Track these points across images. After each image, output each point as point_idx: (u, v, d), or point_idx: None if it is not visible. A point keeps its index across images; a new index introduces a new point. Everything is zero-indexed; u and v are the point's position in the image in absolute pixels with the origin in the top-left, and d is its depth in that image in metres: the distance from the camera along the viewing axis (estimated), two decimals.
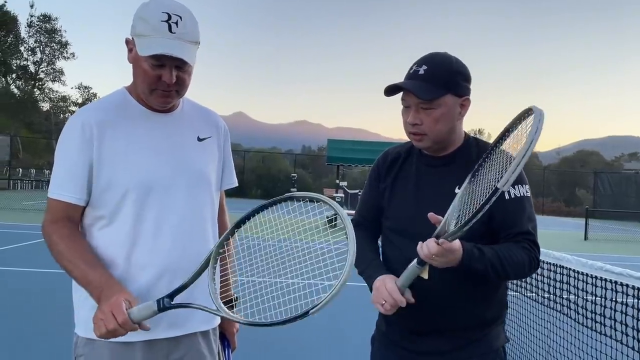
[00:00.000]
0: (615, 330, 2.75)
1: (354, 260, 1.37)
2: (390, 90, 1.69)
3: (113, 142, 1.59)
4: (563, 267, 3.30)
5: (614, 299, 2.78)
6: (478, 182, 1.55)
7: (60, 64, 42.89)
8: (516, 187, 1.67)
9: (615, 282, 2.76)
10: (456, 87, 1.66)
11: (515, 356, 4.04)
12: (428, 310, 1.68)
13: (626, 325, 2.70)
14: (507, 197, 1.64)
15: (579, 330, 3.17)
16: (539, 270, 3.23)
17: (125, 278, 1.58)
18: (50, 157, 31.08)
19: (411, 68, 1.70)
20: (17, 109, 37.21)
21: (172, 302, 1.49)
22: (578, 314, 3.13)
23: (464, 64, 1.71)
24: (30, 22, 39.96)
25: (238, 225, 1.59)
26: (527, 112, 1.47)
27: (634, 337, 2.63)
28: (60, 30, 40.80)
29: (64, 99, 42.04)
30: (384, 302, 1.59)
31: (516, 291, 3.98)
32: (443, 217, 1.51)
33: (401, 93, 1.70)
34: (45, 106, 42.06)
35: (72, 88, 61.88)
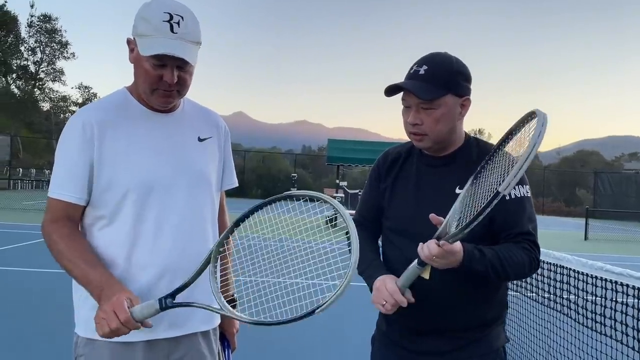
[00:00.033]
0: (616, 330, 2.75)
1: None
2: (391, 90, 1.69)
3: (114, 142, 1.59)
4: (563, 267, 3.30)
5: (614, 299, 2.78)
6: (480, 185, 1.55)
7: (60, 63, 42.91)
8: (517, 187, 1.67)
9: (616, 282, 2.76)
10: (456, 87, 1.66)
11: (516, 356, 4.03)
12: (428, 310, 1.68)
13: (626, 325, 2.70)
14: (507, 197, 1.64)
15: (579, 330, 3.16)
16: (539, 270, 3.23)
17: (126, 278, 1.58)
18: (50, 157, 31.08)
19: (411, 68, 1.70)
20: (17, 108, 37.21)
21: (175, 301, 1.49)
22: (578, 314, 3.13)
23: (464, 64, 1.71)
24: (31, 22, 40.02)
25: (237, 223, 1.59)
26: (531, 116, 1.46)
27: (634, 337, 2.63)
28: (60, 30, 40.87)
29: (64, 98, 42.09)
30: (384, 302, 1.60)
31: (516, 291, 3.98)
32: (444, 218, 1.51)
33: (401, 93, 1.70)
34: (46, 106, 42.12)
35: (72, 88, 61.99)
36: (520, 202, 1.67)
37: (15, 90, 40.90)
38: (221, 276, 1.65)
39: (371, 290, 1.69)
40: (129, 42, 1.61)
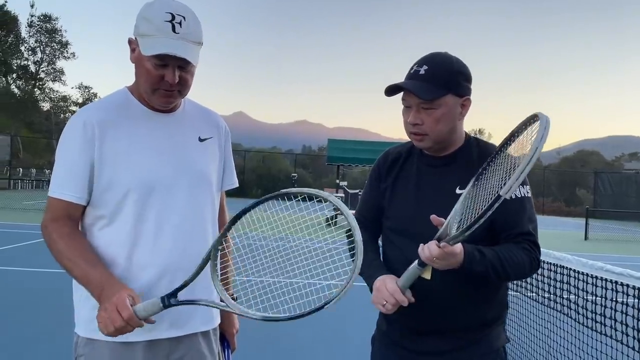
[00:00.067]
0: (616, 330, 2.75)
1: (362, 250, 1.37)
2: (391, 90, 1.69)
3: (115, 142, 1.59)
4: (563, 267, 3.30)
5: (614, 299, 2.78)
6: (481, 187, 1.55)
7: (60, 63, 42.95)
8: (517, 187, 1.67)
9: (616, 282, 2.76)
10: (457, 87, 1.66)
11: (516, 356, 4.03)
12: (429, 310, 1.68)
13: (626, 326, 2.69)
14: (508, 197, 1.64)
15: (579, 330, 3.16)
16: (539, 270, 3.23)
17: (126, 278, 1.58)
18: (50, 157, 31.10)
19: (412, 68, 1.70)
20: (17, 108, 37.21)
21: (178, 299, 1.49)
22: (578, 314, 3.13)
23: (464, 63, 1.71)
24: (31, 22, 40.00)
25: (233, 221, 1.56)
26: (533, 118, 1.46)
27: (634, 337, 2.63)
28: (60, 30, 40.84)
29: (65, 98, 42.07)
30: (384, 302, 1.60)
31: (517, 291, 3.98)
32: (444, 218, 1.51)
33: (402, 93, 1.70)
34: (46, 106, 42.10)
35: (72, 88, 62.01)
36: (521, 203, 1.67)
37: (16, 90, 40.90)
38: (221, 274, 1.64)
39: (371, 291, 1.69)
40: (130, 42, 1.61)
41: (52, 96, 41.84)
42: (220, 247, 1.57)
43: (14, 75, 40.78)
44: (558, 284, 3.36)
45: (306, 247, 1.62)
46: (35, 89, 41.45)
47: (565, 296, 3.30)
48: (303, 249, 1.62)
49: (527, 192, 1.70)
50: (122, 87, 1.72)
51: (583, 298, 3.07)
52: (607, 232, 19.12)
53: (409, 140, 1.79)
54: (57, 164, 1.61)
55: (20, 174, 29.82)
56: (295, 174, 27.82)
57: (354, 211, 1.87)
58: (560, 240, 15.93)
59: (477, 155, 1.73)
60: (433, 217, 1.52)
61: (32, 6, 39.69)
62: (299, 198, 1.51)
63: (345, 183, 22.37)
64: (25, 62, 40.90)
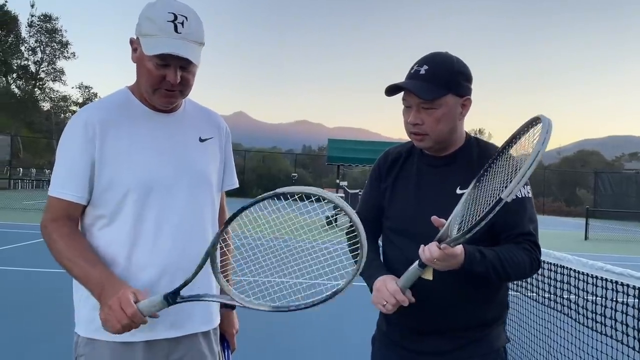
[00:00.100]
0: (616, 330, 2.75)
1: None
2: (391, 90, 1.69)
3: (116, 142, 1.59)
4: (564, 267, 3.30)
5: (614, 299, 2.78)
6: (482, 189, 1.55)
7: (60, 63, 42.90)
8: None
9: (616, 282, 2.75)
10: (457, 87, 1.66)
11: (516, 356, 4.03)
12: (429, 310, 1.68)
13: (627, 326, 2.69)
14: None
15: (579, 331, 3.16)
16: (539, 270, 3.23)
17: (126, 277, 1.58)
18: (50, 157, 31.11)
19: (412, 68, 1.69)
20: (17, 108, 37.21)
21: (182, 296, 1.47)
22: (579, 314, 3.12)
23: (465, 63, 1.70)
24: (31, 21, 40.00)
25: (229, 221, 1.48)
26: (535, 121, 1.45)
27: (634, 337, 2.63)
28: (60, 30, 40.84)
29: (65, 98, 42.06)
30: (385, 302, 1.59)
31: (517, 291, 3.98)
32: (445, 218, 1.51)
33: (402, 93, 1.69)
34: (46, 106, 42.09)
35: (72, 88, 62.04)
36: (521, 203, 1.67)
37: (16, 90, 40.91)
38: (222, 271, 1.64)
39: (371, 291, 1.69)
40: (132, 41, 1.61)
41: (53, 96, 41.89)
42: (220, 246, 1.57)
43: (14, 75, 40.79)
44: (558, 284, 3.36)
45: (309, 246, 1.62)
46: (36, 89, 41.46)
47: (565, 296, 3.30)
48: (306, 249, 1.61)
49: (528, 193, 1.70)
50: (123, 87, 1.72)
51: (583, 298, 3.07)
52: (607, 232, 19.12)
53: (409, 140, 1.79)
54: (57, 163, 1.61)
55: (20, 174, 29.83)
56: (296, 174, 27.83)
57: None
58: (560, 240, 15.93)
59: (478, 155, 1.73)
60: (434, 218, 1.52)
61: (32, 6, 39.75)
62: (296, 197, 1.43)
63: (345, 183, 22.38)
64: (26, 62, 40.96)
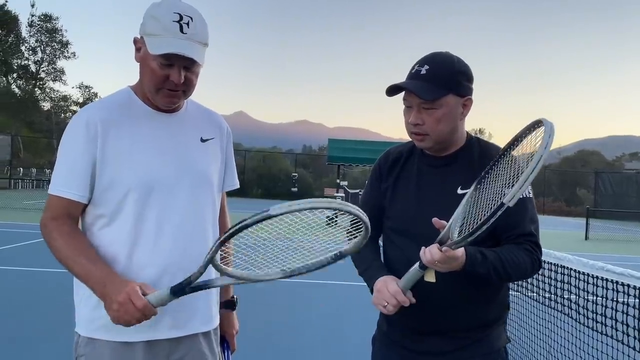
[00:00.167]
0: (617, 330, 2.75)
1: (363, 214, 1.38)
2: (392, 90, 1.68)
3: (117, 141, 1.59)
4: (564, 267, 3.29)
5: (615, 299, 2.77)
6: (484, 191, 1.55)
7: (61, 63, 42.88)
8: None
9: (617, 282, 2.75)
10: (458, 87, 1.66)
11: (517, 356, 4.03)
12: (430, 310, 1.68)
13: (627, 326, 2.69)
14: None
15: (580, 331, 3.16)
16: (540, 270, 3.23)
17: (126, 276, 1.57)
18: (51, 157, 31.14)
19: (413, 68, 1.69)
20: (18, 108, 37.23)
21: (191, 285, 1.45)
22: (579, 314, 3.12)
23: (465, 63, 1.70)
24: (31, 21, 40.00)
25: (229, 236, 1.36)
26: (537, 124, 1.45)
27: (635, 337, 2.63)
28: (61, 30, 40.85)
29: (65, 98, 42.07)
30: (386, 303, 1.59)
31: (517, 291, 3.98)
32: (446, 219, 1.51)
33: (403, 93, 1.69)
34: (46, 106, 42.10)
35: (73, 87, 62.02)
36: (522, 203, 1.66)
37: (16, 90, 40.91)
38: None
39: (372, 292, 1.69)
40: (135, 41, 1.61)
41: (53, 96, 41.90)
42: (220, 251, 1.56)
43: (15, 75, 40.80)
44: (559, 284, 3.36)
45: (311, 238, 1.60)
46: (36, 89, 41.47)
47: (565, 296, 3.30)
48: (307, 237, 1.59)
49: (529, 193, 1.70)
50: (125, 87, 1.72)
51: (584, 298, 3.07)
52: (607, 232, 19.12)
53: (410, 140, 1.79)
54: (58, 162, 1.61)
55: (20, 174, 29.86)
56: (296, 174, 27.85)
57: None
58: (560, 240, 15.93)
59: (479, 155, 1.73)
60: (435, 220, 1.52)
61: (32, 6, 39.76)
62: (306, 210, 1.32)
63: (345, 183, 22.39)
64: (26, 62, 40.98)
